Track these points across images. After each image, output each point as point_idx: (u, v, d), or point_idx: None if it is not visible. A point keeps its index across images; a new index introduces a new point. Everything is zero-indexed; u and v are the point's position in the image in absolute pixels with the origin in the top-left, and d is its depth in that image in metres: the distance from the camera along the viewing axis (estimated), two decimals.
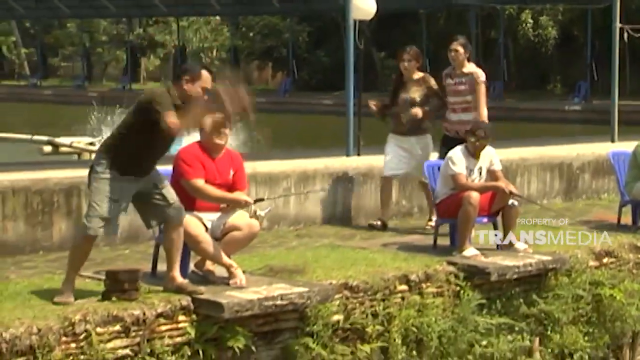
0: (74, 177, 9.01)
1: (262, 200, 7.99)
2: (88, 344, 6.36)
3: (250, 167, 9.33)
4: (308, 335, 7.37)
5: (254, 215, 7.52)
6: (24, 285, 7.23)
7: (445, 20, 46.88)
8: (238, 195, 7.54)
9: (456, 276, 8.37)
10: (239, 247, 7.59)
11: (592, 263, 9.35)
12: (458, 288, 8.34)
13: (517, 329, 8.56)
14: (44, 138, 19.97)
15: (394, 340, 7.83)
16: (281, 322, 7.28)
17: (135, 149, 6.89)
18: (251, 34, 53.34)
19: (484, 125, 9.37)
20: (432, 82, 10.47)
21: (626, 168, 10.74)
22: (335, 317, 7.55)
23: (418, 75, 10.48)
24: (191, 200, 7.40)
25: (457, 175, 8.98)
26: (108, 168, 6.88)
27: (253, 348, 7.05)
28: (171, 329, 6.76)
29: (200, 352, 6.81)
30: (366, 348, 7.71)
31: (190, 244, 7.27)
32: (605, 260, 9.54)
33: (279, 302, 7.00)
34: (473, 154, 9.10)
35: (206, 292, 6.98)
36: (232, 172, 7.61)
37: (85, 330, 6.38)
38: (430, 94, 10.40)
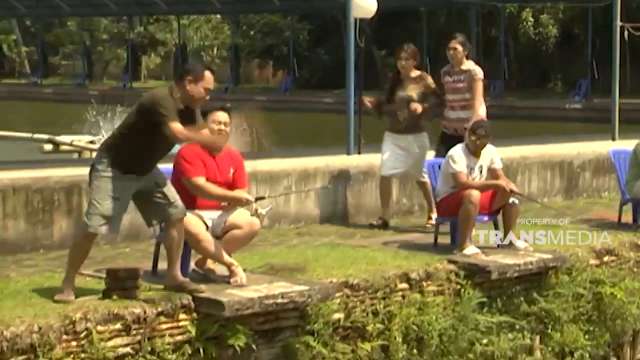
0: (74, 176, 9.02)
1: (263, 198, 7.99)
2: (89, 342, 6.36)
3: (251, 165, 9.34)
4: (309, 333, 7.37)
5: (255, 213, 7.52)
6: (24, 284, 7.23)
7: (446, 18, 46.90)
8: (239, 193, 7.55)
9: (457, 274, 8.37)
10: (239, 245, 7.59)
11: (592, 261, 9.35)
12: (459, 286, 8.34)
13: (517, 327, 8.56)
14: (45, 136, 19.96)
15: (395, 338, 7.83)
16: (282, 320, 7.28)
17: (137, 149, 6.89)
18: (252, 32, 53.34)
19: (485, 124, 9.37)
20: (430, 80, 10.48)
21: (627, 166, 10.74)
22: (336, 316, 7.55)
23: (415, 73, 10.48)
24: (192, 198, 7.40)
25: (458, 173, 8.98)
26: (109, 166, 6.88)
27: (254, 346, 7.05)
28: (172, 327, 6.76)
29: (201, 351, 6.81)
30: (367, 346, 7.72)
31: (191, 242, 7.27)
32: (605, 258, 9.54)
33: (279, 300, 7.00)
34: (474, 152, 9.09)
35: (207, 291, 6.98)
36: (232, 171, 7.62)
37: (86, 329, 6.38)
38: (427, 92, 10.40)
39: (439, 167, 9.44)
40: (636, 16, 26.59)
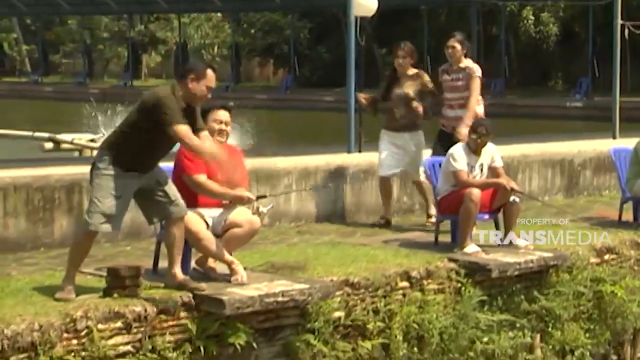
0: (75, 174, 9.01)
1: (264, 197, 7.98)
2: (89, 340, 6.37)
3: (252, 163, 9.33)
4: (309, 331, 7.37)
5: (257, 211, 7.51)
6: (25, 282, 7.23)
7: (447, 16, 46.89)
8: (240, 191, 7.54)
9: (457, 273, 8.38)
10: (239, 243, 7.58)
11: (593, 260, 9.35)
12: (459, 285, 8.34)
13: (518, 325, 8.56)
14: (45, 135, 19.99)
15: (395, 336, 7.83)
16: (282, 318, 7.28)
17: (138, 147, 6.89)
18: (252, 31, 53.36)
19: (485, 122, 9.36)
20: (427, 78, 10.48)
21: (627, 165, 10.74)
22: (337, 314, 7.55)
23: (412, 71, 10.48)
24: (193, 196, 7.40)
25: (458, 172, 8.97)
26: (111, 164, 6.88)
27: (254, 344, 7.06)
28: (172, 326, 6.76)
29: (202, 349, 6.81)
30: (367, 345, 7.72)
31: (192, 241, 7.27)
32: (606, 257, 9.54)
33: (280, 298, 7.00)
34: (474, 150, 9.09)
35: (207, 289, 6.98)
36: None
37: (87, 327, 6.38)
38: (424, 90, 10.39)
39: (440, 165, 9.44)
40: (637, 14, 26.56)
